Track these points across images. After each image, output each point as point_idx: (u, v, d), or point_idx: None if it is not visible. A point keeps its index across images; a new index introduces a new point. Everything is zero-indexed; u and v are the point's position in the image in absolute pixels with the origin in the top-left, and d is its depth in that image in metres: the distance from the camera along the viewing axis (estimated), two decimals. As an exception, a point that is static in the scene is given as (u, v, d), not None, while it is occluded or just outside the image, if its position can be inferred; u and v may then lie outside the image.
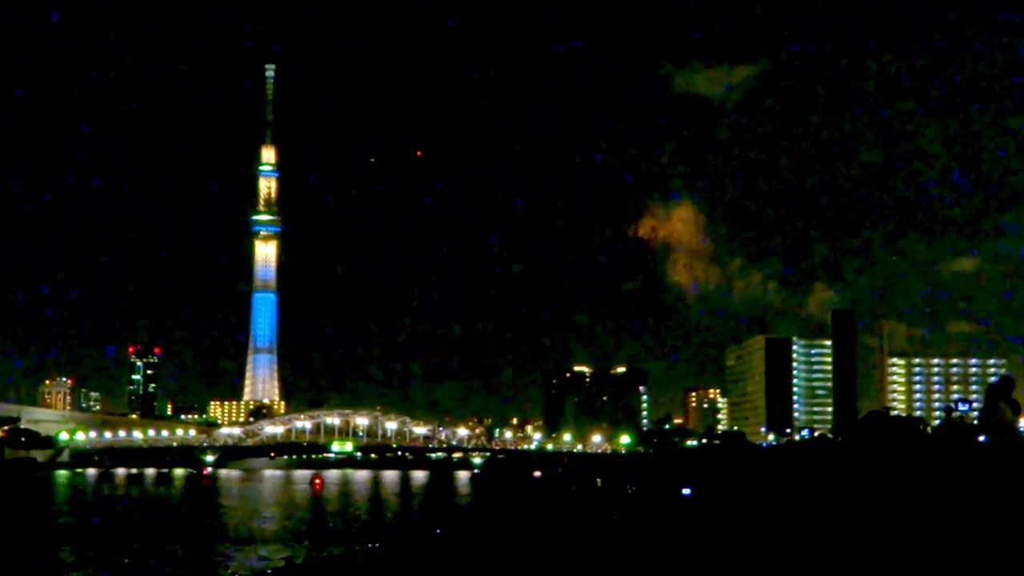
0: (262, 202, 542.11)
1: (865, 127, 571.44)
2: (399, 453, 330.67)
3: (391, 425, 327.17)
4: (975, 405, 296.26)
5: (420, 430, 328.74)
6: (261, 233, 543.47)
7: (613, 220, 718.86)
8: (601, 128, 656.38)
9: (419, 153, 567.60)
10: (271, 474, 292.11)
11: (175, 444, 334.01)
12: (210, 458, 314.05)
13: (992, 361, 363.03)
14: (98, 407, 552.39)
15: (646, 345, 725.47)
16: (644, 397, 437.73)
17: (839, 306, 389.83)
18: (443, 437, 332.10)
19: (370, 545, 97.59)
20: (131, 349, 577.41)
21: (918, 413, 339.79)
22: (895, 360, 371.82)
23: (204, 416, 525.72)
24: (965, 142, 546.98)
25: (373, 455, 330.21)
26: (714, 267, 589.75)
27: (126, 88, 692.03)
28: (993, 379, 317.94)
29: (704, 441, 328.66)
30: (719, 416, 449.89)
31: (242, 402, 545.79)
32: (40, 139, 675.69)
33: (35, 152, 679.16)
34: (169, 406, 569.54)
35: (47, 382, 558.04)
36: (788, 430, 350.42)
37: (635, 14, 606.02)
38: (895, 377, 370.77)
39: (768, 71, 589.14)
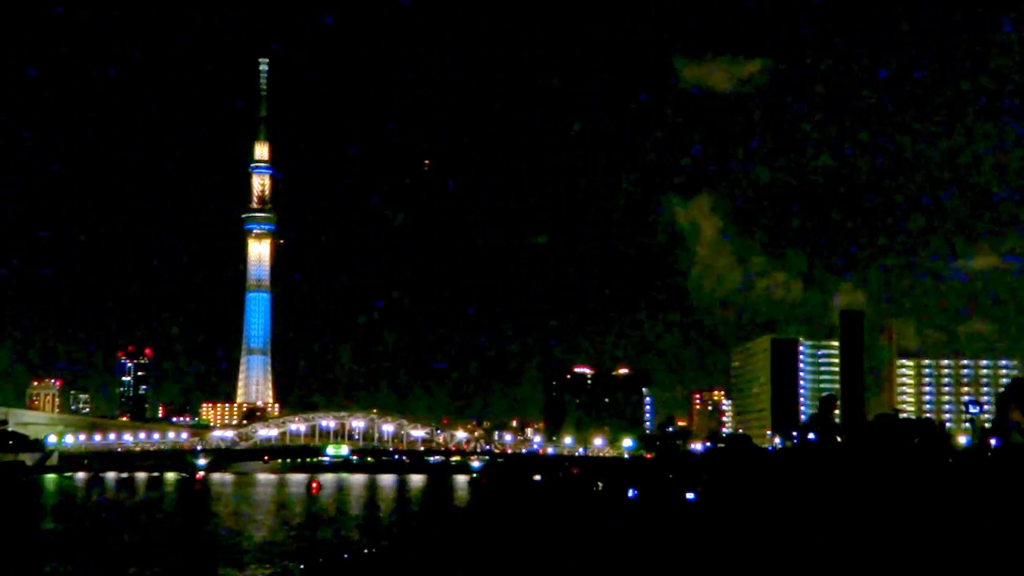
0: (255, 199, 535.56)
1: (880, 123, 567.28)
2: (396, 456, 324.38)
3: (388, 428, 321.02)
4: (987, 408, 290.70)
5: (418, 433, 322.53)
6: (254, 231, 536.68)
7: (624, 218, 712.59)
8: (612, 124, 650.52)
9: (427, 163, 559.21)
10: (265, 478, 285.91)
11: (166, 447, 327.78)
12: (202, 462, 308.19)
13: (1004, 362, 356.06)
14: (88, 409, 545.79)
15: (653, 345, 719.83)
16: (647, 399, 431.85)
17: (863, 307, 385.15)
18: (441, 440, 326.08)
19: (366, 551, 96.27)
20: (120, 351, 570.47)
21: (928, 415, 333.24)
22: (904, 362, 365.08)
23: (196, 419, 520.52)
24: (983, 140, 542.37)
25: (369, 458, 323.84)
26: (735, 266, 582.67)
27: (118, 84, 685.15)
28: (1005, 381, 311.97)
29: (709, 444, 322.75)
30: (724, 418, 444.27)
31: (235, 404, 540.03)
32: (31, 136, 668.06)
33: (26, 149, 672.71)
34: (160, 408, 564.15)
35: (35, 383, 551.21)
36: (795, 433, 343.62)
37: (645, 7, 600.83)
38: (905, 379, 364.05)
39: (782, 65, 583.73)
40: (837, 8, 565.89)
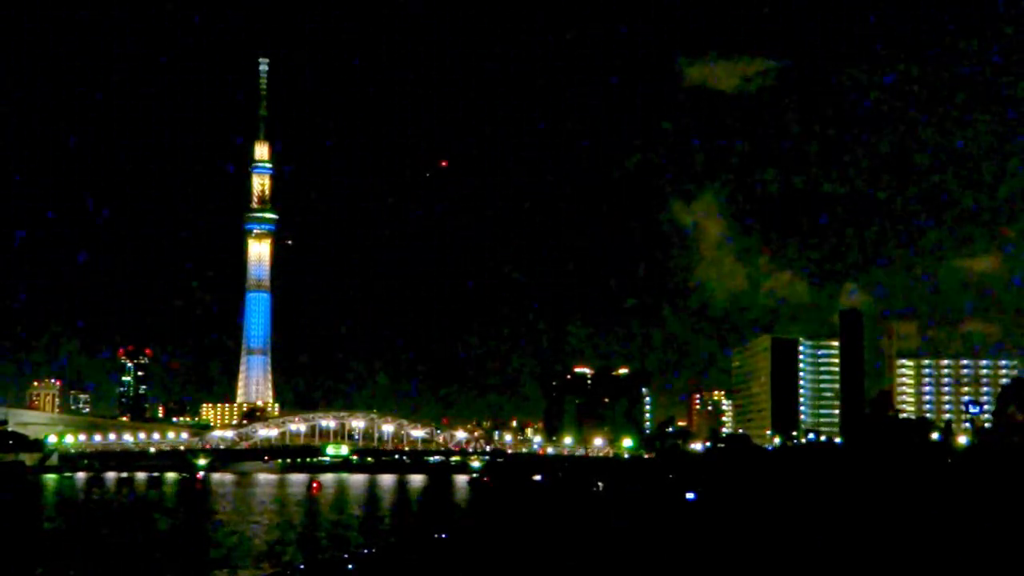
0: (255, 199, 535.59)
1: (884, 121, 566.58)
2: (396, 456, 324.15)
3: (388, 428, 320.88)
4: (986, 408, 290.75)
5: (417, 433, 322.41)
6: (254, 231, 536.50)
7: (629, 218, 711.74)
8: (615, 123, 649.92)
9: (443, 163, 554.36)
10: (265, 478, 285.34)
11: (166, 447, 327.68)
12: (202, 461, 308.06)
13: (1003, 362, 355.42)
14: (87, 409, 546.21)
15: (653, 345, 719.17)
16: (647, 399, 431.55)
17: (870, 306, 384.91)
18: (441, 440, 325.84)
19: (366, 551, 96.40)
20: (121, 350, 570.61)
21: (928, 415, 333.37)
22: (904, 361, 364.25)
23: (196, 419, 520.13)
24: (985, 137, 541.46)
25: (369, 458, 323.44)
26: (739, 267, 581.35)
27: (118, 83, 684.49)
28: (1005, 381, 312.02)
29: (709, 444, 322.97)
30: (724, 418, 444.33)
31: (235, 404, 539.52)
32: (31, 137, 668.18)
33: (25, 149, 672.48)
34: (160, 408, 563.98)
35: (35, 383, 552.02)
36: (794, 432, 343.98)
37: (647, 6, 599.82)
38: (904, 379, 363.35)
39: (787, 65, 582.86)
40: (840, 8, 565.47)
